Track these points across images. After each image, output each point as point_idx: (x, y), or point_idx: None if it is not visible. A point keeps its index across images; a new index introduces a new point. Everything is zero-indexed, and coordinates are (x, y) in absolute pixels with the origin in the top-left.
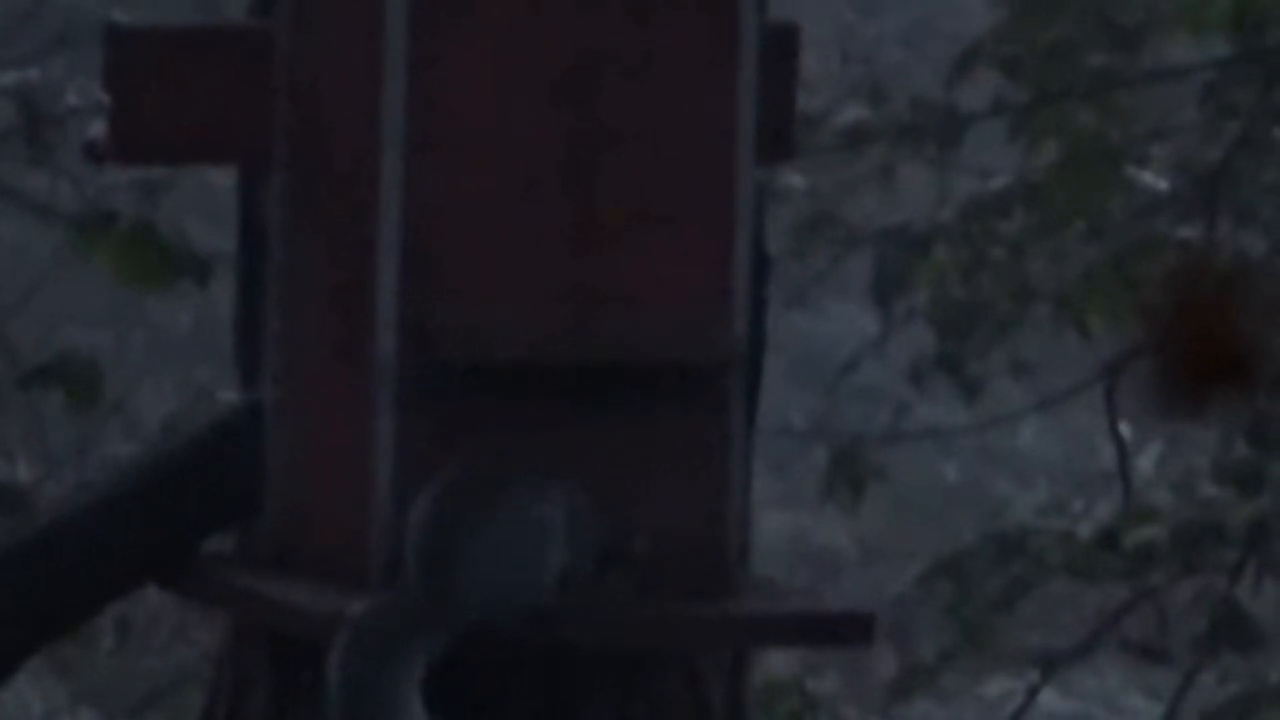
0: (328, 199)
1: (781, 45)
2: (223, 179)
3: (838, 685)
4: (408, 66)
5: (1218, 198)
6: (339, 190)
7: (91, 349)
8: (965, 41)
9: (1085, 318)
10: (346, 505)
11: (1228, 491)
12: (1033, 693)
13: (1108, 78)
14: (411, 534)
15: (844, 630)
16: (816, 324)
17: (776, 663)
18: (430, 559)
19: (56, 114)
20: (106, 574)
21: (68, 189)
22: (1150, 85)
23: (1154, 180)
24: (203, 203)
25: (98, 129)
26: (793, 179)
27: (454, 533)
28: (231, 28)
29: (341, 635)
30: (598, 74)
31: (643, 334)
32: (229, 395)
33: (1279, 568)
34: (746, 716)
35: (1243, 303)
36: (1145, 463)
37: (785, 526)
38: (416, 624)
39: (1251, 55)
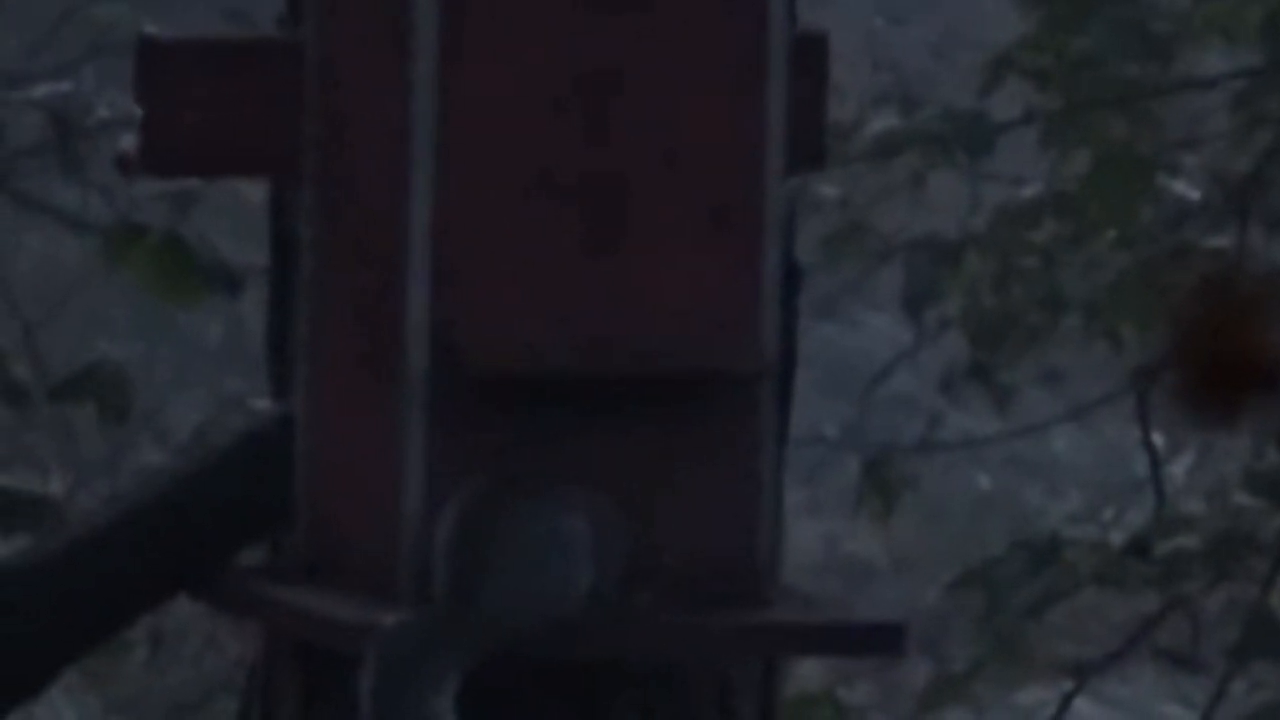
0: (356, 211)
1: (811, 54)
2: (254, 192)
3: (870, 695)
4: (436, 79)
5: (1249, 207)
6: (367, 203)
7: (121, 361)
8: (994, 49)
9: (1116, 327)
10: (375, 517)
11: (1260, 500)
12: (1066, 701)
13: (1138, 87)
14: (438, 548)
15: (876, 640)
16: (848, 334)
17: (808, 673)
18: (457, 574)
19: (87, 127)
20: (138, 585)
21: (98, 202)
22: (1181, 94)
23: (1185, 189)
24: (234, 216)
25: (129, 141)
26: (823, 189)
27: (480, 547)
28: (261, 40)
29: (372, 651)
30: (626, 85)
31: (672, 345)
32: (260, 406)
33: None
34: None
35: (1274, 311)
36: (1177, 471)
37: (817, 536)
38: (446, 639)
39: None
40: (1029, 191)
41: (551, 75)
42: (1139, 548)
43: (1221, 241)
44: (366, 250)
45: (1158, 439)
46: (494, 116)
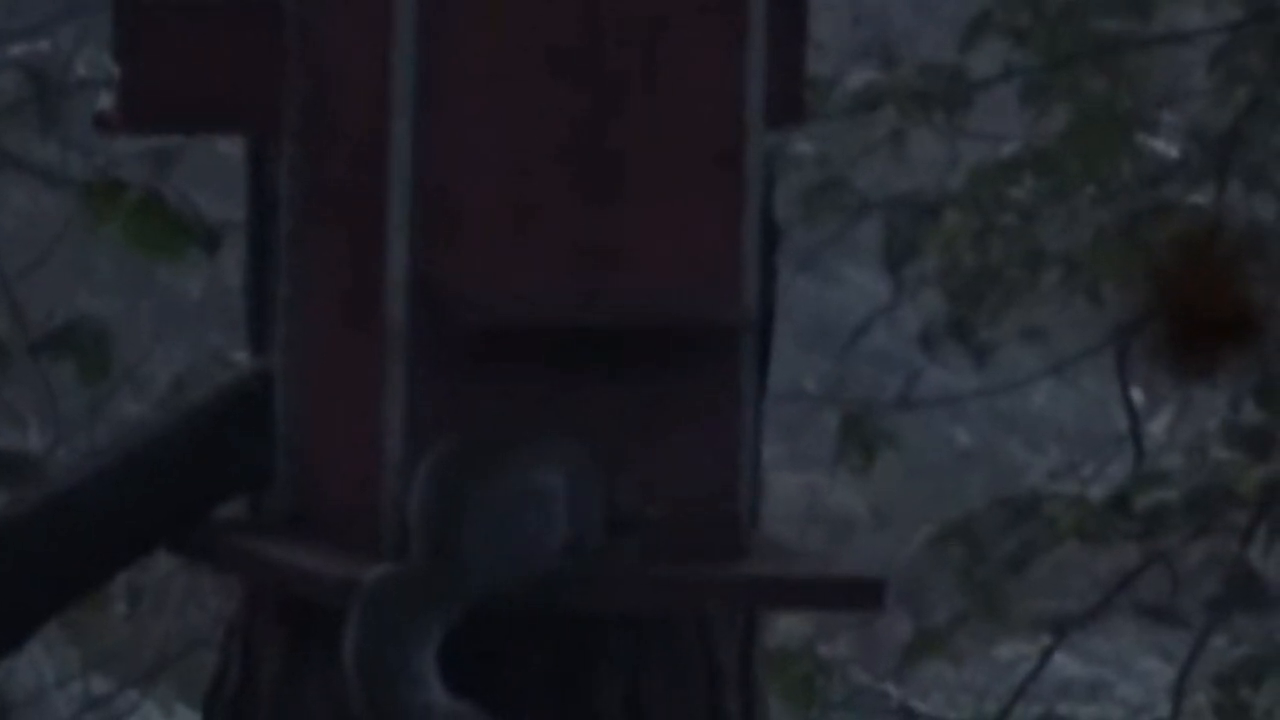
0: (337, 166)
1: (791, 8)
2: (232, 148)
3: (850, 649)
4: (417, 31)
5: (1228, 162)
6: (348, 157)
7: (102, 316)
8: (975, 6)
9: (1096, 282)
10: (357, 471)
11: (1238, 454)
12: (1046, 655)
13: (1118, 42)
14: (415, 504)
15: (856, 594)
16: (827, 289)
17: (788, 627)
18: (434, 529)
19: (66, 84)
20: (118, 539)
21: (78, 160)
22: (1160, 50)
23: (1164, 145)
24: (212, 172)
25: (107, 101)
26: (803, 144)
27: (457, 502)
28: None
29: (354, 607)
30: (606, 38)
31: (653, 298)
32: (241, 361)
33: None
34: (758, 681)
35: (1253, 267)
36: (1156, 426)
37: (798, 490)
38: (428, 594)
39: (1262, 19)
40: (1008, 148)
41: (533, 30)
42: (1119, 502)
43: (1201, 198)
44: (347, 204)
45: (1137, 394)
46: (478, 69)
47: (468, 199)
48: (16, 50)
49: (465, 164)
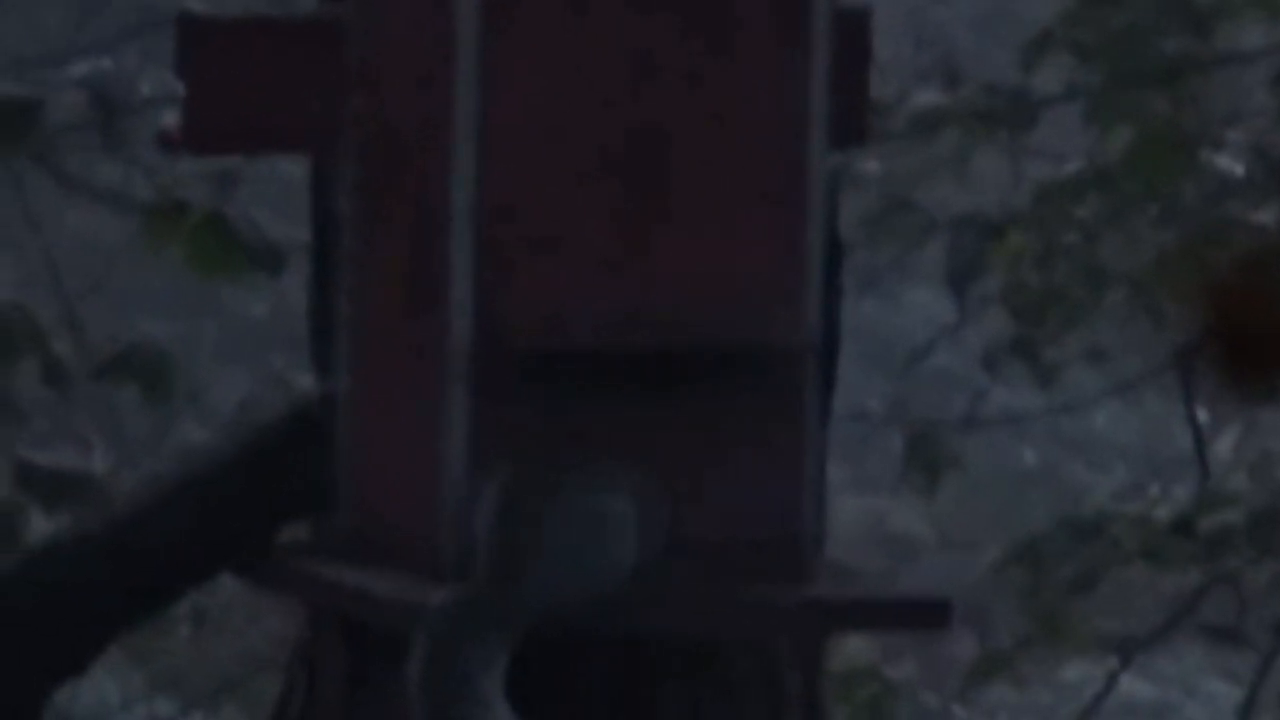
0: (398, 188)
1: (854, 29)
2: (295, 168)
3: (916, 671)
4: (478, 54)
5: None
6: (410, 179)
7: (164, 338)
8: (1036, 25)
9: (1159, 302)
10: (418, 494)
11: None
12: (1112, 678)
13: (1181, 62)
14: (481, 526)
15: (921, 615)
16: (891, 310)
17: (854, 649)
18: (502, 553)
19: (130, 104)
20: (181, 562)
21: (141, 180)
22: (1223, 69)
23: (1227, 164)
24: (275, 193)
25: (170, 119)
26: (866, 165)
27: (525, 527)
28: (302, 16)
29: (419, 630)
30: (668, 58)
31: (715, 320)
32: (303, 383)
33: None
34: (823, 704)
35: None
36: (1222, 447)
37: (861, 512)
38: (493, 618)
39: None
40: (1072, 167)
41: (594, 50)
42: (1183, 524)
43: (1264, 216)
44: (409, 227)
45: (1202, 414)
46: (538, 90)
47: (528, 222)
48: (80, 69)
49: (526, 187)
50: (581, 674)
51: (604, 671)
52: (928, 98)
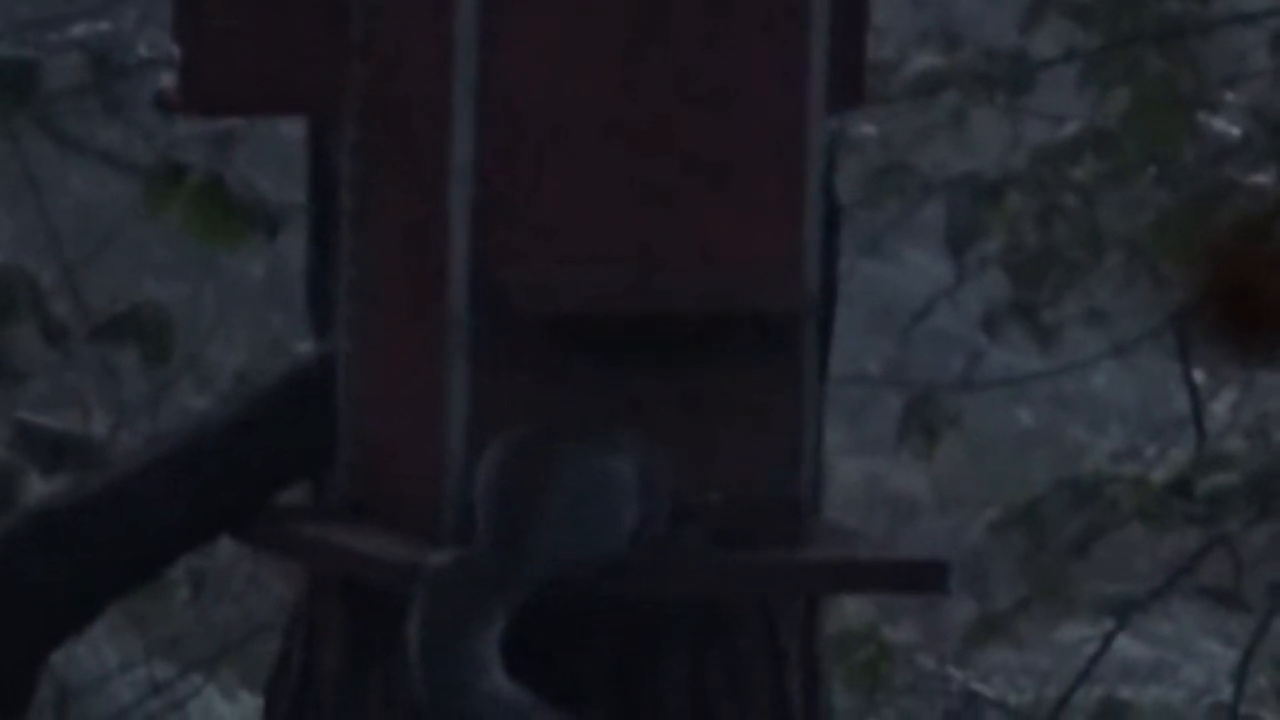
0: (399, 151)
1: None
2: (293, 130)
3: (914, 634)
4: (479, 17)
5: None
6: (411, 142)
7: (164, 302)
8: None
9: (1157, 264)
10: (419, 457)
11: None
12: (1108, 639)
13: (1179, 23)
14: (481, 491)
15: (920, 576)
16: (890, 272)
17: (852, 611)
18: (502, 516)
19: (128, 66)
20: (180, 525)
21: (140, 142)
22: (1222, 31)
23: (1226, 126)
24: (273, 155)
25: (168, 80)
26: (864, 127)
27: (524, 489)
28: None
29: (419, 594)
30: (667, 23)
31: (714, 285)
32: (303, 346)
33: None
34: (821, 665)
35: None
36: (1219, 408)
37: (860, 474)
38: (493, 581)
39: None
40: (1070, 129)
41: (595, 17)
42: (1181, 485)
43: (1262, 179)
44: (410, 190)
45: (1199, 376)
46: (538, 56)
47: (529, 187)
48: (78, 31)
49: (526, 153)
50: (583, 637)
51: (605, 634)
52: (926, 60)
